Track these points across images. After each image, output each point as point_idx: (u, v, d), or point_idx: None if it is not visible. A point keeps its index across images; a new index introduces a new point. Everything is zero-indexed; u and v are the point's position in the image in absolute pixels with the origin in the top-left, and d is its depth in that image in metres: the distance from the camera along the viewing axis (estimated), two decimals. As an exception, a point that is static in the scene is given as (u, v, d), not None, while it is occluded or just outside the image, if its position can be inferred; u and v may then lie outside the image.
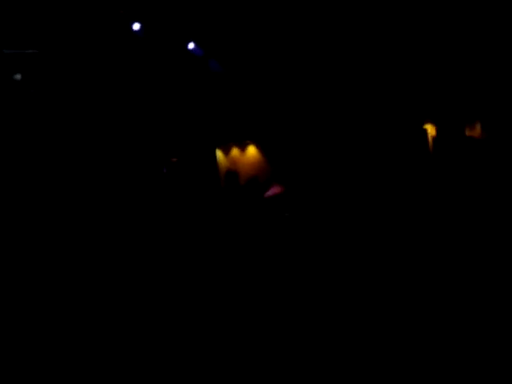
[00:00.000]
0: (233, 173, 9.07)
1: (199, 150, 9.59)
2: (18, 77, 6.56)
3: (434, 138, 9.59)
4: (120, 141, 7.90)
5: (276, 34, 9.07)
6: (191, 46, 9.03)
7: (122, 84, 8.34)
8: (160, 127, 9.07)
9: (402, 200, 5.52)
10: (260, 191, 6.25)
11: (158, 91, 9.15)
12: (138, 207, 6.89)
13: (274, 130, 10.37)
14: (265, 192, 6.01)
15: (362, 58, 9.34)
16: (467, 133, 9.36)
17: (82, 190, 6.35)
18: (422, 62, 9.26)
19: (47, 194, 5.93)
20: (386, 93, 9.48)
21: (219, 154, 11.11)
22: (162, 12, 8.23)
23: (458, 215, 4.95)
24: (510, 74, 8.70)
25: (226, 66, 9.70)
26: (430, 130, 9.96)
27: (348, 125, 9.48)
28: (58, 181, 6.31)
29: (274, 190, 5.92)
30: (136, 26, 8.07)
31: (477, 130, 9.72)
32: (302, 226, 5.07)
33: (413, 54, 9.20)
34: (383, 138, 8.93)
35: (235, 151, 11.33)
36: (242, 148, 11.33)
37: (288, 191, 5.78)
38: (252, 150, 11.33)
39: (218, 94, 9.87)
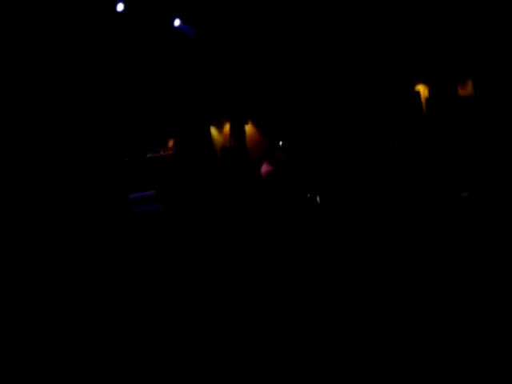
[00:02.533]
0: (229, 149, 9.09)
1: (193, 128, 9.56)
2: None
3: (427, 99, 9.58)
4: (112, 123, 7.86)
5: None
6: (177, 23, 8.93)
7: (113, 68, 8.26)
8: (152, 108, 9.03)
9: (398, 171, 5.53)
10: (253, 168, 6.08)
11: (149, 72, 9.08)
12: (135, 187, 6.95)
13: (268, 105, 10.33)
14: (259, 169, 5.85)
15: (351, 16, 9.23)
16: (459, 92, 9.35)
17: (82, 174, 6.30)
18: (412, 20, 9.16)
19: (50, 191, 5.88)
20: (377, 54, 9.41)
21: (213, 130, 11.09)
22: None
23: (453, 182, 4.99)
24: (500, 30, 8.63)
25: (219, 40, 9.59)
26: (423, 90, 9.94)
27: (341, 91, 9.45)
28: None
29: (266, 168, 5.74)
30: (120, 7, 7.96)
31: (468, 88, 9.70)
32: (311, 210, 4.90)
33: (402, 11, 9.09)
34: (376, 103, 8.92)
35: (228, 127, 11.31)
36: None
37: (282, 169, 5.62)
38: (249, 127, 11.30)
39: (211, 70, 9.79)
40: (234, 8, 8.86)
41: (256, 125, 11.05)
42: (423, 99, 9.68)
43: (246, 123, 10.70)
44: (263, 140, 10.33)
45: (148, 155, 7.87)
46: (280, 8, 8.88)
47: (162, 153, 8.50)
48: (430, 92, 9.74)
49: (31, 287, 3.84)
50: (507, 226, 3.91)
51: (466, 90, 9.58)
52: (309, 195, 4.92)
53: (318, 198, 4.89)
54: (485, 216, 4.23)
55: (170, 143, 8.71)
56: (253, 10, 8.92)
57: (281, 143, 8.76)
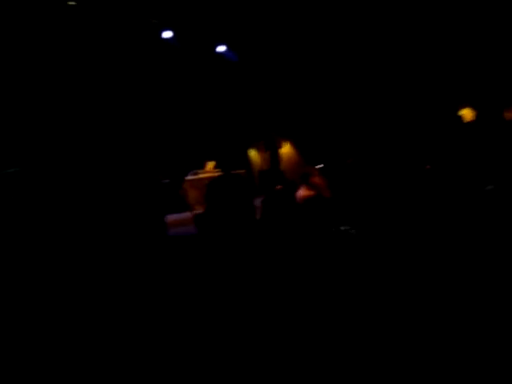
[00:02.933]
0: (266, 172, 9.12)
1: (232, 151, 9.68)
2: None
3: (473, 123, 9.32)
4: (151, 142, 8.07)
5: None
6: (221, 48, 9.15)
7: (156, 92, 8.55)
8: (193, 130, 9.23)
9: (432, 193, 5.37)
10: (289, 191, 5.98)
11: (190, 95, 9.31)
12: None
13: (308, 127, 10.35)
14: (295, 192, 5.73)
15: (392, 38, 9.18)
16: (506, 116, 9.04)
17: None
18: (457, 45, 9.02)
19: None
20: (423, 77, 9.30)
21: (253, 152, 11.19)
22: (191, 18, 8.35)
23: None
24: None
25: (259, 66, 9.76)
26: (468, 114, 9.68)
27: (384, 116, 9.37)
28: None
29: (303, 193, 5.59)
30: (167, 34, 8.25)
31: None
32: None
33: (451, 35, 8.97)
34: (419, 127, 8.77)
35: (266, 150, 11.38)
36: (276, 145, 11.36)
37: (321, 196, 5.51)
38: (287, 148, 11.33)
39: (251, 94, 9.94)
40: (274, 35, 9.00)
41: (295, 146, 11.07)
42: (468, 123, 9.44)
43: (280, 146, 10.73)
44: (302, 162, 10.31)
45: (187, 177, 8.02)
46: (317, 35, 8.94)
47: (200, 175, 8.64)
48: (477, 115, 9.49)
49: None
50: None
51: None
52: (343, 228, 4.80)
53: (353, 231, 4.77)
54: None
55: (209, 165, 8.84)
56: (291, 37, 9.03)
57: (320, 167, 8.72)
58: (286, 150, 11.11)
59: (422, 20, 8.87)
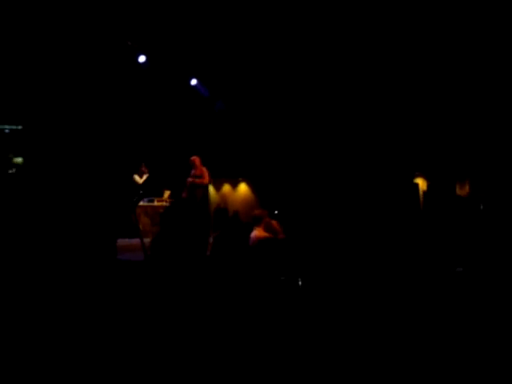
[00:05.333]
0: (222, 210, 9.04)
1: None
2: None
3: (425, 193, 9.71)
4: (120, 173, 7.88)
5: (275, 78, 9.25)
6: (194, 82, 9.18)
7: (125, 113, 8.40)
8: (157, 160, 9.07)
9: (393, 253, 5.46)
10: (244, 230, 5.89)
11: (158, 123, 9.21)
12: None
13: (266, 168, 10.45)
14: (249, 233, 5.65)
15: (357, 107, 9.53)
16: (457, 191, 9.51)
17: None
18: (418, 114, 9.47)
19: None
20: (379, 142, 9.63)
21: (211, 188, 11.14)
22: (168, 46, 8.38)
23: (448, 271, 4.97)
24: (502, 134, 8.91)
25: (228, 105, 9.86)
26: (421, 184, 10.11)
27: (340, 172, 9.57)
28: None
29: (258, 234, 5.51)
30: (142, 59, 8.19)
31: (465, 189, 9.87)
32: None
33: (408, 105, 9.41)
34: (374, 189, 9.01)
35: (226, 187, 11.37)
36: (234, 184, 11.38)
37: (277, 240, 5.44)
38: (243, 187, 11.38)
39: (214, 130, 9.97)
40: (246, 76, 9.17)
41: (252, 188, 11.13)
42: (421, 192, 9.83)
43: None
44: (257, 205, 10.31)
45: (141, 203, 7.80)
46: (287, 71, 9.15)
47: (155, 203, 8.43)
48: (429, 186, 9.90)
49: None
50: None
51: (464, 190, 9.75)
52: (291, 277, 4.77)
53: (299, 281, 4.74)
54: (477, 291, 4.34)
55: (166, 195, 8.67)
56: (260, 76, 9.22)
57: (276, 212, 8.71)
58: (242, 190, 11.13)
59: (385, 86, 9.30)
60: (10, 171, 6.92)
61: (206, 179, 7.01)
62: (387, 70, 8.89)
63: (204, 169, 7.02)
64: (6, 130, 7.30)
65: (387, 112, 9.46)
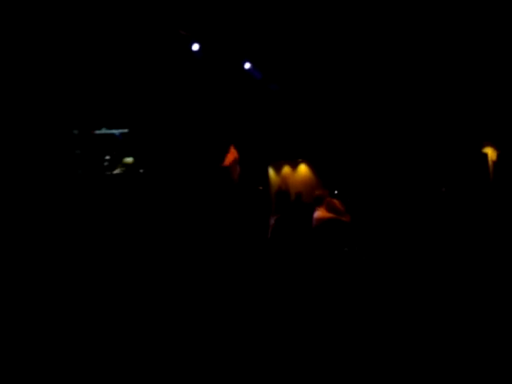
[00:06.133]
0: (283, 192, 9.03)
1: (253, 167, 9.63)
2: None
3: (495, 163, 9.21)
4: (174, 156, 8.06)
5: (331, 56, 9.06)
6: (247, 66, 9.17)
7: (180, 100, 8.56)
8: (215, 145, 9.20)
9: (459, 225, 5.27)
10: (306, 211, 5.89)
11: (214, 109, 9.32)
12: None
13: (325, 148, 10.32)
14: (312, 213, 5.63)
15: (420, 78, 9.17)
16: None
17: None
18: (486, 79, 8.97)
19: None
20: (445, 113, 9.24)
21: (271, 171, 11.18)
22: (221, 33, 8.41)
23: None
24: None
25: (283, 86, 9.79)
26: (491, 153, 9.58)
27: (404, 147, 9.30)
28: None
29: (321, 214, 5.49)
30: (195, 47, 8.28)
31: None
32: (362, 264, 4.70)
33: (476, 71, 8.93)
34: (441, 161, 8.68)
35: (286, 169, 11.37)
36: (294, 166, 11.35)
37: (340, 219, 5.41)
38: (303, 168, 11.32)
39: (271, 112, 9.95)
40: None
41: (313, 169, 11.03)
42: (491, 162, 9.34)
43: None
44: (318, 185, 10.24)
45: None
46: (343, 60, 8.95)
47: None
48: (499, 155, 9.38)
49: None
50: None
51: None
52: (356, 249, 4.76)
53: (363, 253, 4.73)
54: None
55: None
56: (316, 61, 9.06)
57: (336, 192, 8.62)
58: (302, 171, 11.07)
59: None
60: (120, 171, 7.17)
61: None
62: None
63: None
64: (116, 134, 7.62)
65: (453, 79, 9.02)
